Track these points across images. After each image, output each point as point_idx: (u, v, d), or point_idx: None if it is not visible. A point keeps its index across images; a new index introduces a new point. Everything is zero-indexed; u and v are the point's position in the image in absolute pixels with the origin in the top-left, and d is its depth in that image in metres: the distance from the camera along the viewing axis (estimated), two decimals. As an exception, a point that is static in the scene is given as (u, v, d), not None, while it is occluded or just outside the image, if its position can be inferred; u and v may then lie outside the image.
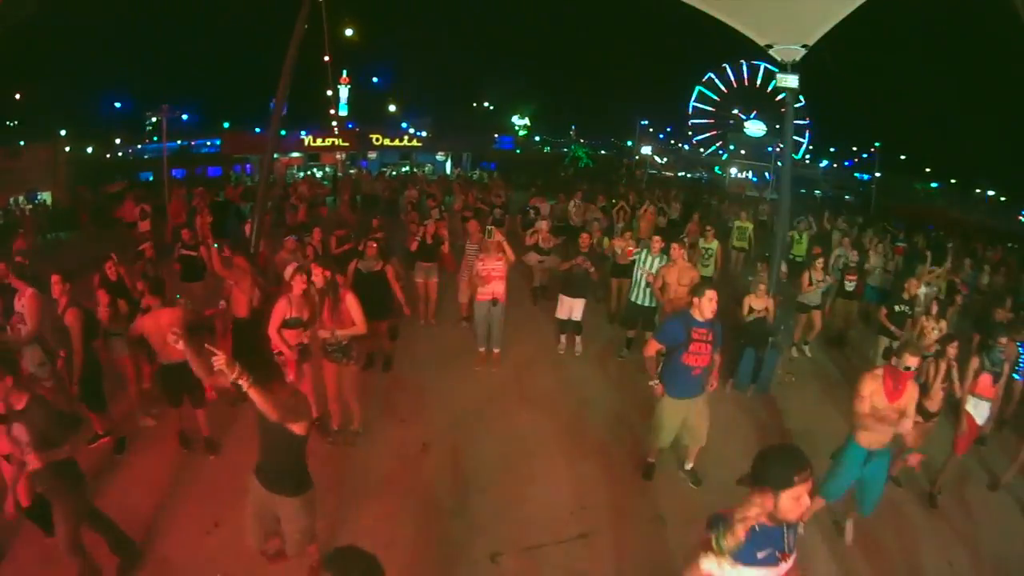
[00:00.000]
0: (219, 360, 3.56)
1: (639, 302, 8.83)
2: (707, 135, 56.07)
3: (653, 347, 5.87)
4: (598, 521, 5.60)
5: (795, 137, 52.27)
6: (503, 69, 50.05)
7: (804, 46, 8.53)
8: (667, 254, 8.68)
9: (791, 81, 8.92)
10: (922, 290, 9.69)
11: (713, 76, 53.33)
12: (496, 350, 8.84)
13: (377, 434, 6.72)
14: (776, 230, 9.27)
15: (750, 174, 52.45)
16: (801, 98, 47.26)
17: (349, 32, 16.02)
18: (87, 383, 6.11)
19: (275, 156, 30.34)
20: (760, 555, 2.77)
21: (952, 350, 6.51)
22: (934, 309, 8.52)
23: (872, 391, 4.96)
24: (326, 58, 12.78)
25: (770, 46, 8.78)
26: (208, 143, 31.07)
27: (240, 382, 3.57)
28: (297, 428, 3.88)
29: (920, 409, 6.22)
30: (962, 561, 5.56)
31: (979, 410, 6.60)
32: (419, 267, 9.87)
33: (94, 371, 6.22)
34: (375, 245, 7.86)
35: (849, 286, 10.67)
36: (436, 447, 6.60)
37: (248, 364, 3.66)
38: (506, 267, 8.43)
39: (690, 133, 58.96)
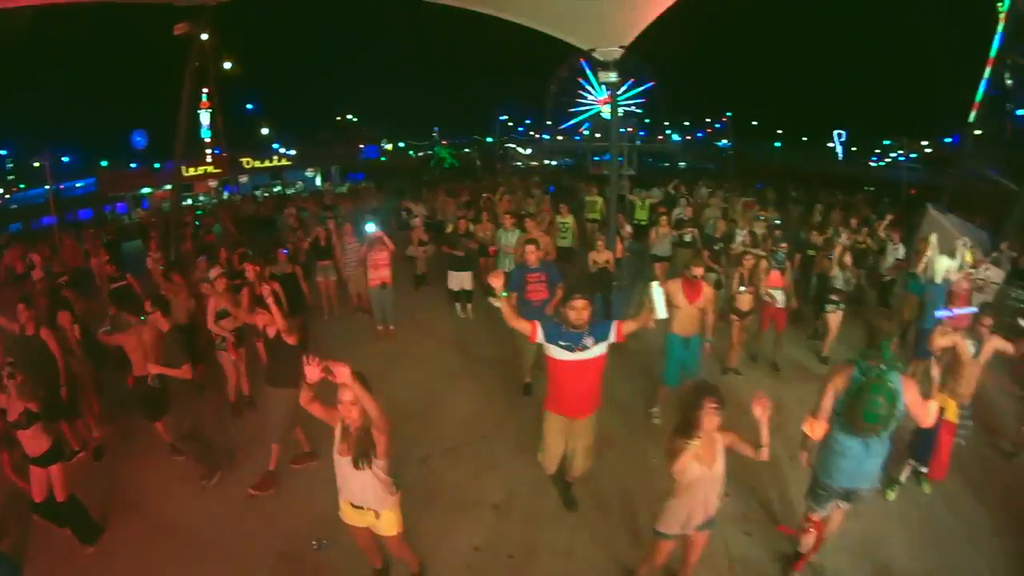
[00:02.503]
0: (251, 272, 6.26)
1: (506, 269, 10.48)
2: (570, 123, 57.91)
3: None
4: (495, 426, 7.57)
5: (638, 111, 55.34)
6: (362, 80, 50.63)
7: (622, 47, 9.90)
8: (519, 229, 10.63)
9: (612, 77, 10.51)
10: (738, 231, 11.98)
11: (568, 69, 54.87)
12: (392, 327, 10.40)
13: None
14: (610, 200, 11.03)
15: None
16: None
17: (228, 65, 16.52)
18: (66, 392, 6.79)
19: (149, 190, 30.53)
20: (562, 343, 4.90)
21: (748, 261, 8.70)
22: (747, 239, 10.79)
23: (674, 293, 6.87)
24: (205, 91, 13.50)
25: (592, 49, 10.13)
26: (78, 184, 29.84)
27: (266, 293, 5.77)
28: (291, 340, 5.85)
29: (736, 311, 8.65)
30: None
31: (775, 297, 8.89)
32: (318, 267, 11.26)
33: (70, 381, 6.92)
34: (284, 253, 9.33)
35: (687, 238, 12.59)
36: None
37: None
38: (389, 256, 10.05)
39: (549, 123, 61.09)
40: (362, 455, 4.15)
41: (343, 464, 4.25)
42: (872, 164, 52.96)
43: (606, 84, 10.80)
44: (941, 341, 5.93)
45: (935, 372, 4.79)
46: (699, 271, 7.06)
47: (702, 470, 4.09)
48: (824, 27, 46.26)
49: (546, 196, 17.80)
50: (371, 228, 10.10)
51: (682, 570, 4.80)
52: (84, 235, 16.52)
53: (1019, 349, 6.21)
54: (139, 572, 5.44)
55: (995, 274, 11.36)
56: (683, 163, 54.13)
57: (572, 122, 57.54)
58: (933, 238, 9.70)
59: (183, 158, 12.95)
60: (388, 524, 4.48)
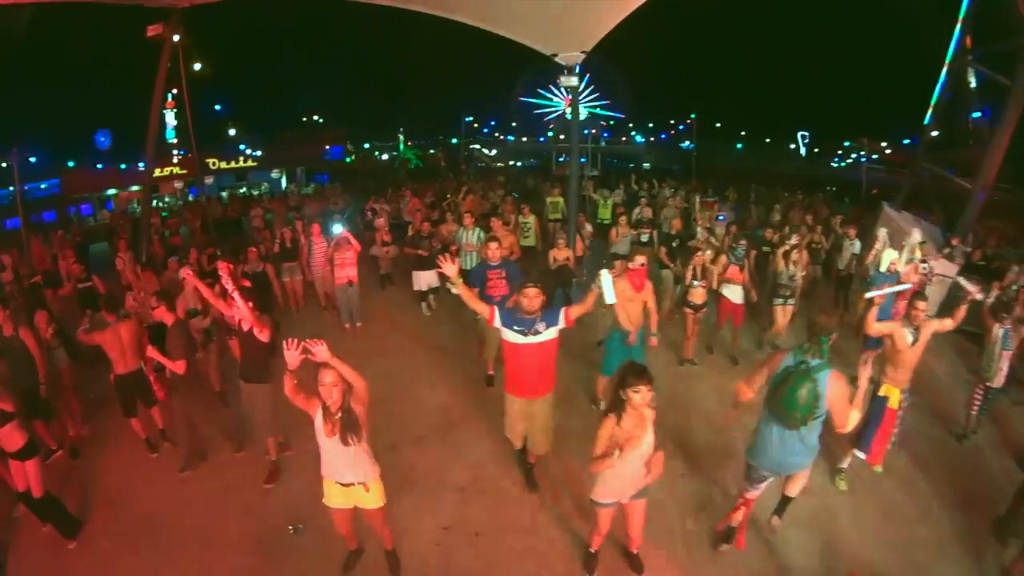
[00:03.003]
0: (224, 269, 6.21)
1: (467, 267, 10.52)
2: (537, 111, 58.59)
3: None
4: (460, 415, 7.96)
5: (607, 113, 56.07)
6: (328, 81, 50.69)
7: (583, 52, 10.24)
8: (480, 228, 10.95)
9: (573, 81, 10.84)
10: (698, 229, 12.42)
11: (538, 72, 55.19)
12: (358, 324, 10.72)
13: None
14: (570, 201, 11.40)
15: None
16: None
17: (197, 67, 16.36)
18: (38, 393, 6.80)
19: (115, 191, 30.23)
20: (516, 328, 5.34)
21: (699, 258, 9.16)
22: (704, 236, 11.23)
23: (622, 288, 7.13)
24: (174, 91, 13.34)
25: (555, 55, 10.44)
26: (42, 185, 28.96)
27: (230, 288, 5.92)
28: (262, 336, 6.02)
29: (689, 304, 9.11)
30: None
31: (733, 292, 9.31)
32: (284, 268, 11.41)
33: (48, 380, 6.97)
34: (256, 251, 9.55)
35: (644, 238, 12.98)
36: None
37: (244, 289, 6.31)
38: (355, 255, 10.39)
39: (513, 124, 61.73)
40: (350, 430, 4.47)
41: (330, 445, 4.56)
42: (834, 165, 54.26)
43: (567, 88, 11.11)
44: (879, 329, 6.26)
45: (864, 375, 4.85)
46: (641, 259, 7.43)
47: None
48: (787, 30, 47.12)
49: (508, 196, 18.14)
50: (337, 228, 10.38)
51: (628, 541, 5.21)
52: (52, 237, 16.44)
53: (957, 318, 6.57)
54: (121, 561, 5.62)
55: (945, 268, 11.98)
56: (647, 164, 54.96)
57: (538, 111, 58.03)
58: (882, 232, 10.20)
59: (153, 160, 12.97)
60: (376, 496, 4.84)
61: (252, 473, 6.71)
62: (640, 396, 4.31)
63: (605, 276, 5.27)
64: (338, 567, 5.37)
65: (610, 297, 5.29)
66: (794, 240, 10.63)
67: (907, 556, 5.59)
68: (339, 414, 4.49)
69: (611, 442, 4.42)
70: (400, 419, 7.75)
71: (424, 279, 11.44)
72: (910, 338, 6.21)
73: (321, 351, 4.33)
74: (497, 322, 5.58)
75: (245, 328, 6.25)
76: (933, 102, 15.03)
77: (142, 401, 7.21)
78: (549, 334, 5.57)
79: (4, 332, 6.85)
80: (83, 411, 7.93)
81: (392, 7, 10.28)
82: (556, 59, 10.59)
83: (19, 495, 5.75)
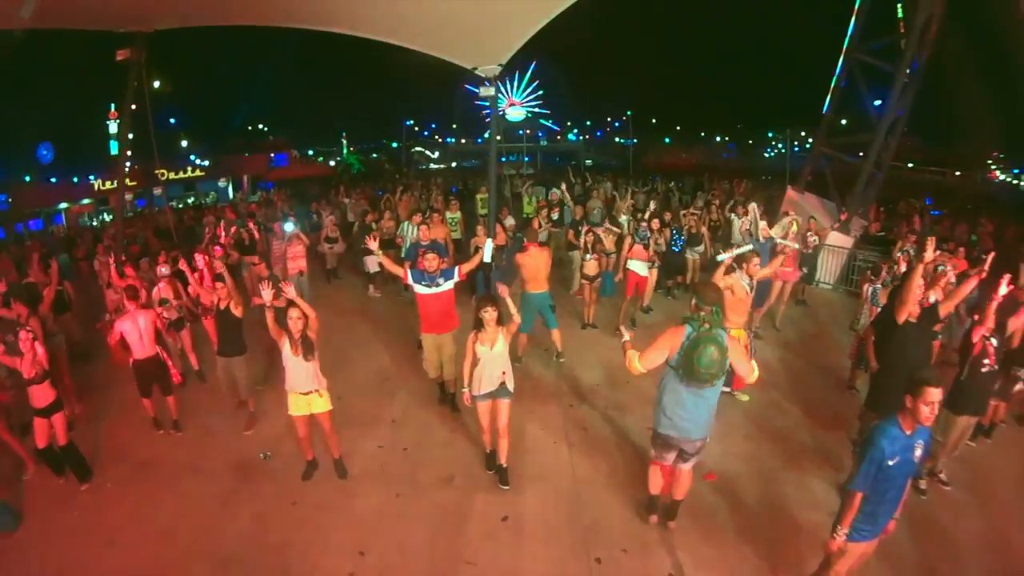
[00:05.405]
0: (202, 260, 8.02)
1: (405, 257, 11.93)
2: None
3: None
4: (395, 372, 9.84)
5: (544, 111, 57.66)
6: (270, 90, 51.11)
7: (500, 64, 11.05)
8: (425, 224, 12.45)
9: (491, 91, 11.95)
10: (624, 217, 14.07)
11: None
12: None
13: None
14: (491, 194, 12.84)
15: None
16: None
17: (156, 84, 16.93)
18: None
19: (66, 205, 30.94)
20: (423, 283, 7.29)
21: (588, 237, 10.80)
22: (605, 223, 12.63)
23: (525, 262, 9.07)
24: (133, 107, 13.76)
25: (475, 68, 11.24)
26: None
27: (222, 271, 7.75)
28: (237, 312, 7.63)
29: (585, 276, 10.79)
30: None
31: (639, 266, 10.99)
32: (243, 262, 12.80)
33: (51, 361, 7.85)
34: (221, 250, 11.03)
35: (555, 216, 14.90)
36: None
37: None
38: (305, 249, 12.16)
39: (454, 126, 63.01)
40: (307, 350, 6.39)
41: (294, 362, 6.41)
42: (767, 155, 56.69)
43: (486, 97, 12.16)
44: (727, 282, 7.52)
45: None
46: (534, 238, 9.49)
47: (484, 349, 6.40)
48: (716, 27, 49.42)
49: (440, 195, 19.83)
50: (290, 227, 12.00)
51: (497, 429, 6.75)
52: (25, 248, 17.38)
53: (772, 266, 8.52)
54: (124, 496, 6.94)
55: (840, 239, 14.27)
56: (589, 160, 56.66)
57: (483, 112, 59.13)
58: (752, 207, 11.95)
59: (109, 171, 14.21)
60: (325, 401, 6.71)
61: (231, 422, 8.27)
62: (487, 315, 6.25)
63: (488, 242, 7.77)
64: (299, 479, 7.05)
65: (488, 257, 7.68)
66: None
67: (760, 464, 7.14)
68: (300, 339, 6.35)
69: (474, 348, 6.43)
70: (345, 377, 9.31)
71: (373, 262, 13.17)
72: (748, 288, 7.80)
73: (290, 291, 6.31)
74: (410, 279, 7.60)
75: (222, 307, 7.81)
76: (831, 89, 16.50)
77: (159, 386, 8.14)
78: (447, 286, 7.66)
79: (21, 320, 8.11)
80: (78, 392, 9.13)
81: (314, 29, 11.33)
82: (476, 72, 11.61)
83: (39, 452, 6.96)
